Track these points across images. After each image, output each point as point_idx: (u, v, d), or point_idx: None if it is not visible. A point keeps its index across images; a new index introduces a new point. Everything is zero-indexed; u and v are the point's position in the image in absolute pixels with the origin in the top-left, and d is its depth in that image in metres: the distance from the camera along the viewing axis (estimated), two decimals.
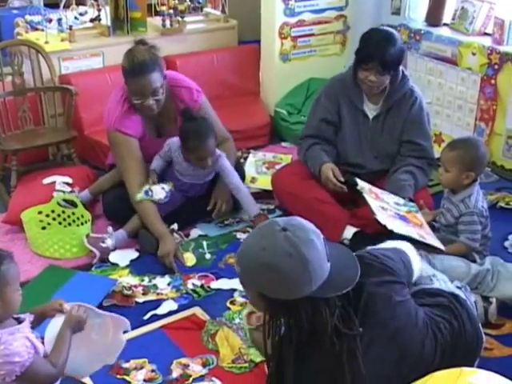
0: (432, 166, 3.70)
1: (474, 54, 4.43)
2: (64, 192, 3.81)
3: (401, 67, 3.62)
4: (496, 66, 4.30)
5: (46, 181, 3.96)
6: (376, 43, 3.46)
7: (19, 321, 2.28)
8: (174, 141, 3.66)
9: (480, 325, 2.50)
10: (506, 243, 3.61)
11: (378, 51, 3.43)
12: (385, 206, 3.28)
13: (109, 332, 2.41)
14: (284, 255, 1.99)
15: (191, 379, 2.65)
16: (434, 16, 4.85)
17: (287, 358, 2.14)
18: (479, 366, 2.30)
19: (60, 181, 3.89)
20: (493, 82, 4.35)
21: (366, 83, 3.54)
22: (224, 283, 3.28)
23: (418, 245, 2.96)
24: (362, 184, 3.41)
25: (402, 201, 3.39)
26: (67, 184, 3.89)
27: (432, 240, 3.14)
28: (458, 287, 2.63)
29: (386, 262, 2.32)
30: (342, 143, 3.76)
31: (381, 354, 2.15)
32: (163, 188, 3.61)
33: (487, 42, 4.42)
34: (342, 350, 2.05)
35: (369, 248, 2.49)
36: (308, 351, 2.12)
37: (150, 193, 3.55)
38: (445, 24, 4.83)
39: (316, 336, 2.09)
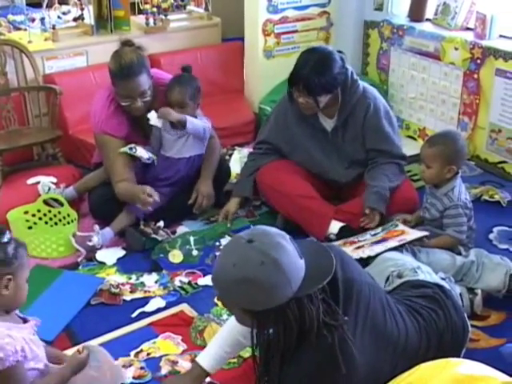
0: (405, 161, 3.67)
1: (456, 48, 4.46)
2: (49, 188, 3.80)
3: (350, 70, 3.51)
4: (478, 61, 4.33)
5: (31, 181, 3.94)
6: (303, 67, 3.39)
7: (24, 321, 2.29)
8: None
9: (465, 315, 2.53)
10: (491, 235, 3.63)
11: (304, 76, 3.37)
12: (360, 244, 3.25)
13: (106, 375, 2.42)
14: (256, 265, 1.96)
15: None
16: (416, 11, 4.88)
17: (275, 362, 2.13)
18: (465, 358, 2.31)
19: (44, 181, 3.88)
20: (475, 76, 4.38)
21: (298, 103, 3.50)
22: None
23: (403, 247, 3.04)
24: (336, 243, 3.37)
25: (379, 229, 3.36)
26: (52, 183, 3.87)
27: (413, 235, 3.15)
28: (442, 278, 2.66)
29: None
30: (309, 162, 3.71)
31: (367, 339, 2.16)
32: (148, 151, 3.63)
33: (469, 36, 4.45)
34: (334, 341, 2.05)
35: None
36: (297, 353, 2.11)
37: (133, 149, 3.56)
38: (427, 19, 4.86)
39: (303, 335, 2.08)
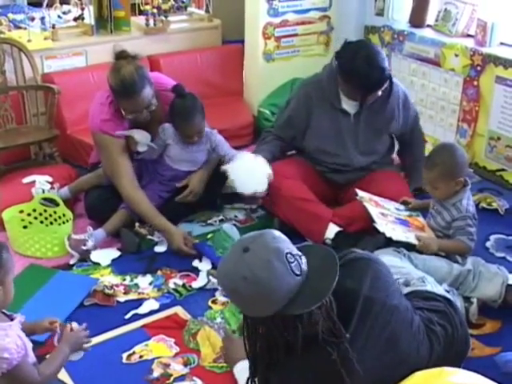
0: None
1: (456, 55, 4.45)
2: (43, 190, 3.79)
3: None
4: (478, 68, 4.32)
5: (26, 180, 3.94)
6: (377, 68, 3.44)
7: (10, 318, 2.28)
8: (168, 125, 3.67)
9: (468, 329, 2.52)
10: (488, 244, 3.62)
11: (383, 76, 3.49)
12: (385, 212, 3.32)
13: None
14: (240, 279, 1.98)
15: (172, 378, 2.64)
16: (417, 17, 4.87)
17: (261, 367, 2.15)
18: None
19: (40, 180, 3.86)
20: (475, 83, 4.37)
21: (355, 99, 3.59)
22: (205, 282, 3.28)
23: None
24: (361, 194, 3.43)
25: (402, 207, 3.43)
26: (47, 182, 3.86)
27: (428, 234, 3.19)
28: (446, 291, 2.65)
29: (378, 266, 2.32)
30: (322, 143, 3.72)
31: (376, 357, 2.14)
32: (147, 141, 3.63)
33: (470, 43, 4.44)
34: (336, 358, 2.03)
35: None
36: (285, 363, 2.11)
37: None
38: (428, 25, 4.85)
39: (307, 347, 2.06)
